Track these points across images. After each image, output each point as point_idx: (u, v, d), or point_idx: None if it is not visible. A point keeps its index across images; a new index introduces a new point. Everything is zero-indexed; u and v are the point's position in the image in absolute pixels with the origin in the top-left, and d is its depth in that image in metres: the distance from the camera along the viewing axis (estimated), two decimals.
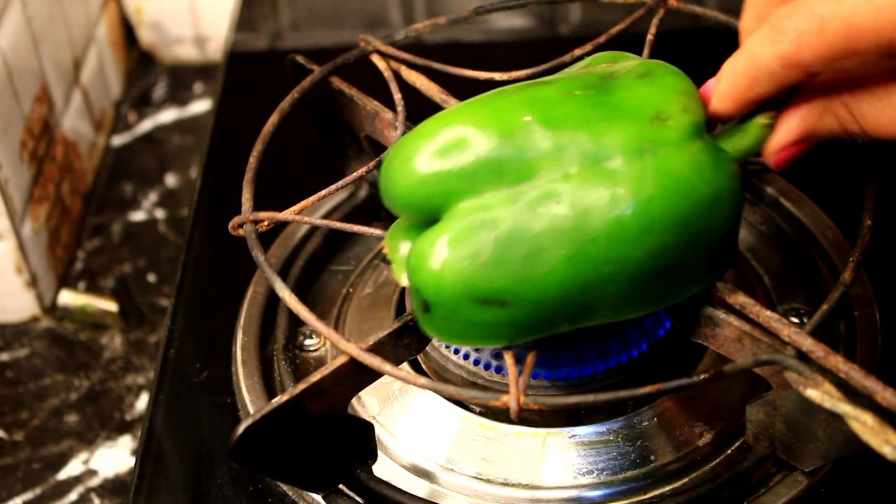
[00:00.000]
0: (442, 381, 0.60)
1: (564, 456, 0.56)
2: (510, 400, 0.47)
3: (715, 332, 0.53)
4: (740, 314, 0.52)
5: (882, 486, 0.55)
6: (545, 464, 0.56)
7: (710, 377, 0.48)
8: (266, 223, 0.55)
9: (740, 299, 0.52)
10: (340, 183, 0.57)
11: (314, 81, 0.63)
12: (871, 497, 0.55)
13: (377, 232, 0.55)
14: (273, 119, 0.60)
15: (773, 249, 0.67)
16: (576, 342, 0.57)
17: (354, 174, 0.58)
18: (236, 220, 0.55)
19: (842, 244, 0.64)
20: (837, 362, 0.48)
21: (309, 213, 0.69)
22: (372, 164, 0.59)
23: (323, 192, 0.56)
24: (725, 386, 0.58)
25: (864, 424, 0.45)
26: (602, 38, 0.62)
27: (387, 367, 0.49)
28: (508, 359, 0.49)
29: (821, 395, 0.47)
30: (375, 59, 0.64)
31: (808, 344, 0.49)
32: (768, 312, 0.51)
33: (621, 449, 0.56)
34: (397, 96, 0.62)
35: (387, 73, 0.63)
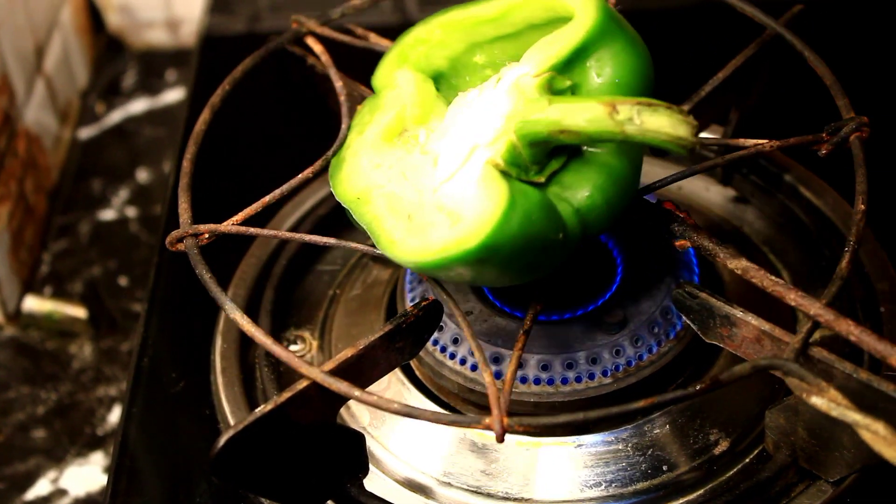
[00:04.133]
0: (437, 387, 0.60)
1: (569, 467, 0.56)
2: (493, 422, 0.46)
3: (731, 332, 0.53)
4: (760, 311, 0.52)
5: None
6: (549, 476, 0.56)
7: (706, 388, 0.48)
8: (206, 236, 0.54)
9: (742, 264, 0.52)
10: (286, 186, 0.56)
11: (246, 70, 0.62)
12: None
13: (331, 241, 0.55)
14: (204, 116, 0.59)
15: (791, 242, 0.67)
16: (590, 345, 0.57)
17: (299, 176, 0.57)
18: (174, 234, 0.54)
19: (867, 236, 0.64)
20: (849, 326, 0.48)
21: (292, 212, 0.70)
22: (318, 163, 0.57)
23: (266, 199, 0.56)
24: (743, 390, 0.58)
25: (875, 434, 0.45)
26: None
27: (355, 392, 0.48)
28: (487, 377, 0.48)
29: (826, 402, 0.46)
30: (311, 41, 0.63)
31: (815, 308, 0.49)
32: (773, 277, 0.51)
33: (631, 459, 0.56)
34: (338, 84, 0.61)
35: (324, 58, 0.62)
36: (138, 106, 0.98)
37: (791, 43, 0.60)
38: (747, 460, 0.56)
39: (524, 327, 0.53)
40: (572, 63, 0.52)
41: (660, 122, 0.47)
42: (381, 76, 0.57)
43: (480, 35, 0.56)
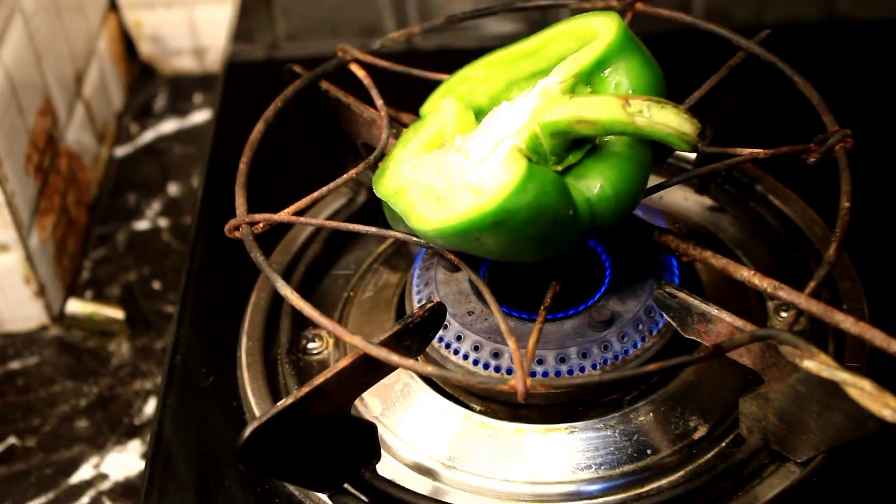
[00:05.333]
0: (442, 381, 0.60)
1: (563, 452, 0.56)
2: (517, 382, 0.47)
3: (708, 329, 0.53)
4: (734, 309, 0.52)
5: (874, 476, 0.55)
6: (544, 460, 0.56)
7: (709, 353, 0.48)
8: (262, 224, 0.55)
9: (742, 272, 0.53)
10: (332, 185, 0.58)
11: (296, 90, 0.63)
12: (864, 486, 0.55)
13: (372, 230, 0.56)
14: (259, 127, 0.61)
15: (762, 245, 0.67)
16: (580, 341, 0.57)
17: (345, 176, 0.58)
18: (232, 222, 0.55)
19: (831, 240, 0.64)
20: (837, 318, 0.49)
21: (309, 217, 0.70)
22: (360, 167, 0.59)
23: (315, 195, 0.57)
24: (718, 380, 0.59)
25: (861, 391, 0.45)
26: None
27: (394, 357, 0.49)
28: (512, 343, 0.49)
29: (818, 365, 0.47)
30: (354, 67, 0.64)
31: (805, 302, 0.50)
32: (765, 279, 0.52)
33: (618, 444, 0.56)
34: (379, 102, 0.62)
35: (366, 81, 0.63)
36: (168, 126, 0.97)
37: (781, 68, 0.60)
38: (723, 444, 0.57)
39: (545, 303, 0.54)
40: (593, 74, 0.54)
41: (667, 118, 0.49)
42: (428, 105, 0.59)
43: (519, 71, 0.57)
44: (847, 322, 0.49)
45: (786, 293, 0.51)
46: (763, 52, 0.61)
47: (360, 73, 0.64)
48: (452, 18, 0.66)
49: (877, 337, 0.47)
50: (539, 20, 0.89)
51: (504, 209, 0.49)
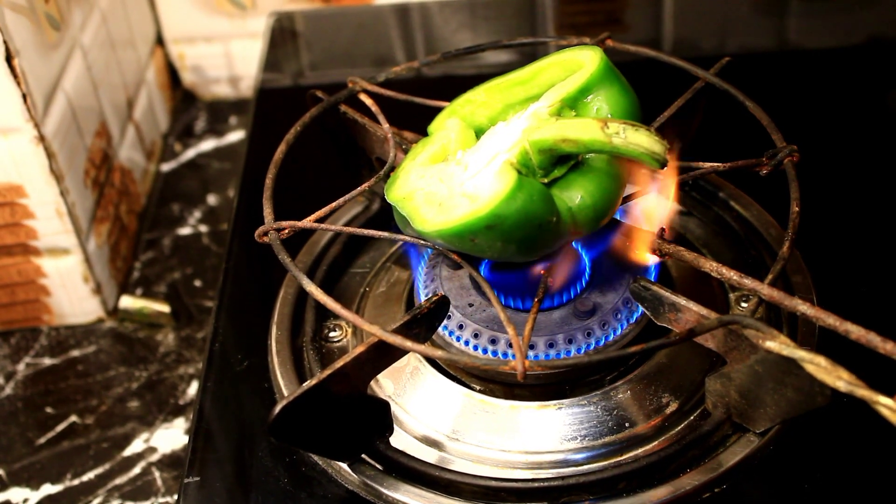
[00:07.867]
0: (446, 364, 0.60)
1: (552, 425, 0.56)
2: (517, 363, 0.47)
3: (677, 317, 0.53)
4: (700, 301, 0.52)
5: (821, 443, 0.55)
6: (536, 432, 0.56)
7: (684, 336, 0.48)
8: (287, 230, 0.55)
9: (710, 264, 0.53)
10: (349, 195, 0.58)
11: (312, 116, 0.63)
12: (813, 452, 0.55)
13: (385, 234, 0.56)
14: (281, 148, 0.61)
15: (724, 245, 0.67)
16: (567, 329, 0.57)
17: (360, 187, 0.58)
18: (261, 229, 0.55)
19: (784, 239, 0.64)
20: (795, 302, 0.48)
21: (329, 223, 0.70)
22: (372, 180, 0.59)
23: (334, 204, 0.57)
24: (687, 362, 0.58)
25: (818, 366, 0.45)
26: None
27: (408, 343, 0.49)
28: (510, 330, 0.49)
29: (779, 345, 0.47)
30: (363, 96, 0.64)
31: (766, 290, 0.50)
32: (730, 270, 0.52)
33: (601, 418, 0.56)
34: (385, 126, 0.62)
35: (374, 108, 0.64)
36: (208, 145, 0.98)
37: (734, 94, 0.60)
38: (692, 418, 0.57)
39: (538, 297, 0.54)
40: (578, 100, 0.54)
41: (640, 139, 0.49)
42: (435, 124, 0.59)
43: (514, 96, 0.57)
44: (803, 306, 0.48)
45: (749, 282, 0.51)
46: (718, 81, 0.61)
47: (367, 101, 0.64)
48: (447, 55, 0.67)
49: (829, 318, 0.47)
50: (529, 51, 0.89)
51: (495, 214, 0.49)
